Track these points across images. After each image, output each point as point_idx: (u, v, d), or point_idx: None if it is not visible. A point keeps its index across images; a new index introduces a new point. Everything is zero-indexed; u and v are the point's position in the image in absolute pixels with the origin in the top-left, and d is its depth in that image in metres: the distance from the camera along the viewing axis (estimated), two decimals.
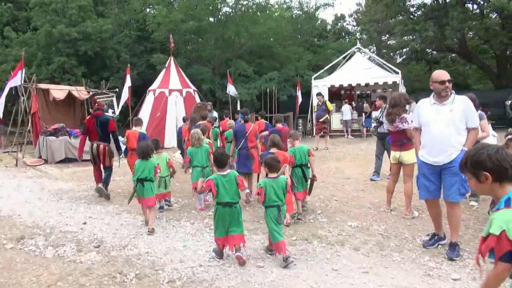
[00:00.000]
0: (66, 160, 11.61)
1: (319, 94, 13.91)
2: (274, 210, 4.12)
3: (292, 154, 5.62)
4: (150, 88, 15.96)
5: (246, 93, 16.22)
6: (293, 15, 20.93)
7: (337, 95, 21.25)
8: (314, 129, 13.86)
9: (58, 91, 13.43)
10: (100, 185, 7.25)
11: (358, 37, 22.30)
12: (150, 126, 15.04)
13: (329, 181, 7.95)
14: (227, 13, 17.60)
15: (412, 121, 5.26)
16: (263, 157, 5.10)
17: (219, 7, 18.11)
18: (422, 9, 18.95)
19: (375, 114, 18.44)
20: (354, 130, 18.45)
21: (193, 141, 6.29)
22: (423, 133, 4.31)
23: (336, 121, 18.70)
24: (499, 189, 1.87)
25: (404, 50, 28.40)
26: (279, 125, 7.35)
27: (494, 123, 18.41)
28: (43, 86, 13.41)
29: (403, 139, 5.38)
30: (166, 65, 16.13)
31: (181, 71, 16.33)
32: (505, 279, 1.81)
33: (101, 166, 7.48)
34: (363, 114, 17.99)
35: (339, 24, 37.79)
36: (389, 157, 8.06)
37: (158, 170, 5.60)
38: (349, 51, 20.82)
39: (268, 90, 17.63)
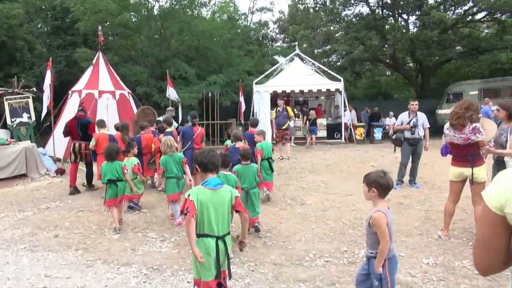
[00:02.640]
0: None
1: (281, 99, 12.82)
2: (243, 193, 4.83)
3: (261, 148, 6.47)
4: (74, 88, 13.25)
5: (189, 97, 14.37)
6: (231, 16, 19.59)
7: (274, 101, 20.45)
8: (275, 137, 12.65)
9: None
10: (73, 188, 7.74)
11: (295, 43, 21.84)
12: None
13: (336, 200, 6.78)
14: (166, 7, 15.55)
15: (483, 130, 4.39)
16: (229, 151, 5.91)
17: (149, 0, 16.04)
18: (358, 18, 19.17)
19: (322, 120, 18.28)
20: (296, 138, 17.73)
21: (164, 149, 5.68)
22: None
23: None
24: (202, 176, 2.87)
25: (325, 59, 29.01)
26: (252, 129, 7.66)
27: None
28: None
29: (474, 153, 4.42)
30: (94, 62, 13.59)
31: (112, 70, 13.92)
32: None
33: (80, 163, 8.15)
34: (307, 121, 17.33)
35: (263, 30, 37.55)
36: (414, 164, 7.61)
37: (126, 171, 5.61)
38: (288, 57, 20.22)
39: (210, 95, 16.02)
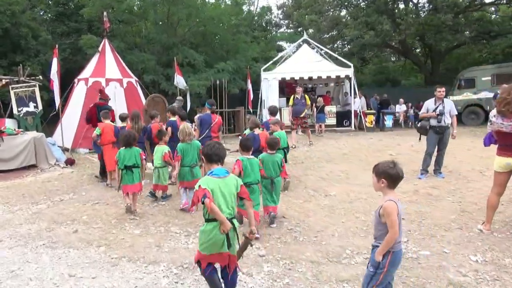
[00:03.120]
0: None
1: (300, 86, 12.57)
2: (269, 181, 4.92)
3: (279, 137, 6.11)
4: (80, 76, 12.95)
5: (198, 84, 14.00)
6: (237, 1, 19.04)
7: (280, 88, 20.02)
8: (292, 125, 12.30)
9: None
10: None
11: (300, 28, 21.30)
12: (82, 123, 12.18)
13: (361, 191, 6.51)
14: None
15: None
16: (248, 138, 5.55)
17: None
18: (367, 2, 18.58)
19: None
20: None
21: (183, 136, 5.65)
22: None
23: (285, 116, 17.47)
24: (208, 166, 3.04)
25: (332, 45, 28.41)
26: (272, 117, 7.74)
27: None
28: None
29: None
30: (100, 49, 13.23)
31: (119, 57, 13.57)
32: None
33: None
34: (316, 108, 17.00)
35: (266, 16, 36.85)
36: (440, 153, 7.28)
37: (143, 157, 5.62)
38: (295, 43, 19.76)
39: (218, 83, 15.66)
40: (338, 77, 17.93)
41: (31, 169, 9.05)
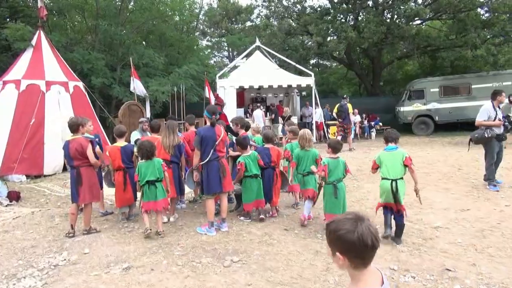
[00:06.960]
0: None
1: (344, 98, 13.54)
2: (332, 187, 4.80)
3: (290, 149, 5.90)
4: (7, 78, 9.81)
5: (163, 91, 11.63)
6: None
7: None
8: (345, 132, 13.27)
9: None
10: None
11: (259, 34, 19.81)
12: (15, 140, 9.16)
13: (464, 218, 5.27)
14: None
15: None
16: (258, 151, 5.65)
17: None
18: (323, 8, 18.06)
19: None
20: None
21: (302, 143, 5.41)
22: None
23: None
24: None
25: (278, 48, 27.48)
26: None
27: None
28: None
29: None
30: (34, 42, 10.18)
31: (59, 55, 10.62)
32: None
33: None
34: (282, 119, 15.89)
35: (192, 23, 34.88)
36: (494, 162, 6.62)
37: (165, 168, 5.09)
38: (249, 49, 18.31)
39: (175, 90, 13.45)
40: (299, 86, 17.01)
41: None
